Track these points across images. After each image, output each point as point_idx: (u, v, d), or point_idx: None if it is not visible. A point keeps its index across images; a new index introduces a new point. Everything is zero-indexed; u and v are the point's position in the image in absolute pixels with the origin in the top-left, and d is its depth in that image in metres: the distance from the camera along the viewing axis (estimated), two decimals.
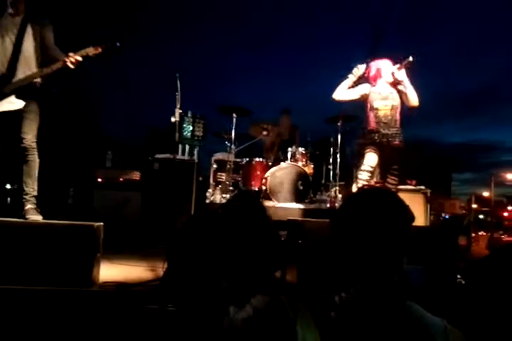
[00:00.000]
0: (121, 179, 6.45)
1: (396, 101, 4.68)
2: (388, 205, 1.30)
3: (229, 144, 6.34)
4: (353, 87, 4.80)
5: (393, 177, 4.67)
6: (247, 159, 6.40)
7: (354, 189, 4.65)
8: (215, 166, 6.55)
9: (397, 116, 4.70)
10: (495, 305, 2.45)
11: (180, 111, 5.38)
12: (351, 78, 4.78)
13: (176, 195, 5.55)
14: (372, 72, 4.75)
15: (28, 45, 3.78)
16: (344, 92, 4.80)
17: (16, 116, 3.70)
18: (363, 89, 4.77)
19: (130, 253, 4.27)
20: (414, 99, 4.64)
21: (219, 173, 6.48)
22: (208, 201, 6.17)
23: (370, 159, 4.61)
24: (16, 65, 3.74)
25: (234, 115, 6.28)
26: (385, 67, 4.72)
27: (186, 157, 6.50)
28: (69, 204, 6.11)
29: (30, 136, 3.71)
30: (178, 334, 1.47)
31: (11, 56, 3.74)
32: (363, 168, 4.61)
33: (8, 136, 3.79)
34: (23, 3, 3.81)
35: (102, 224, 3.24)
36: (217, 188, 6.30)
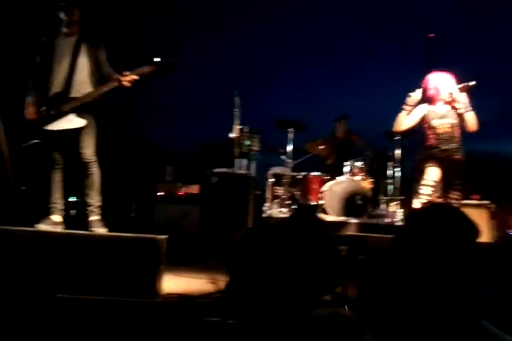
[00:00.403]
0: (180, 193, 6.60)
1: (454, 119, 4.58)
2: (453, 222, 1.27)
3: (285, 158, 6.37)
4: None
5: (456, 193, 4.55)
6: (304, 173, 6.41)
7: (415, 204, 4.56)
8: (271, 180, 6.58)
9: (457, 133, 4.61)
10: None
11: (240, 127, 5.49)
12: (407, 109, 4.71)
13: (233, 208, 5.62)
14: (431, 91, 4.65)
15: (83, 64, 3.93)
16: (404, 123, 4.75)
17: (74, 131, 3.87)
18: (421, 110, 4.69)
19: (190, 266, 4.35)
20: (472, 124, 4.53)
21: (276, 187, 6.51)
22: (265, 215, 6.20)
23: (432, 174, 4.52)
24: (72, 84, 3.90)
25: (290, 129, 6.32)
26: (443, 86, 4.62)
27: (243, 171, 6.58)
28: (131, 217, 6.29)
29: (89, 151, 3.86)
30: None
31: (67, 75, 3.90)
32: (424, 182, 4.52)
33: (69, 151, 3.96)
34: (77, 24, 3.98)
35: (165, 237, 3.33)
36: (274, 202, 6.32)
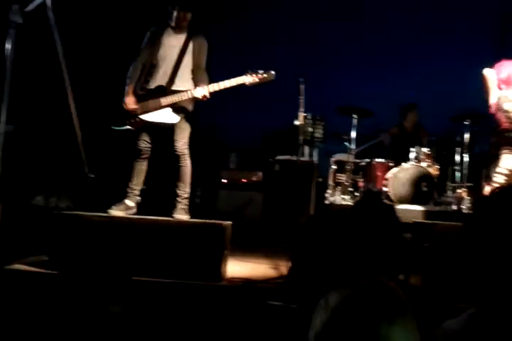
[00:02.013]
0: (244, 180, 6.69)
1: None
2: None
3: (348, 145, 6.30)
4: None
5: None
6: (368, 160, 6.32)
7: (486, 191, 4.40)
8: (334, 167, 6.53)
9: None
10: None
11: (305, 114, 5.48)
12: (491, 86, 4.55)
13: (296, 195, 5.66)
14: (503, 75, 4.46)
15: (188, 62, 4.03)
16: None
17: (168, 125, 4.00)
18: (495, 94, 4.52)
19: (254, 252, 4.43)
20: None
21: (338, 174, 6.46)
22: (327, 202, 6.18)
23: (507, 161, 4.33)
24: (175, 80, 4.01)
25: (354, 116, 6.24)
26: None
27: (306, 158, 6.58)
28: (196, 203, 6.45)
29: (181, 143, 3.99)
30: (299, 331, 1.51)
31: (172, 71, 4.00)
32: (498, 170, 4.33)
33: (158, 143, 4.11)
34: (187, 21, 4.05)
35: (230, 223, 3.42)
36: (337, 189, 6.28)
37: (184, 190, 4.00)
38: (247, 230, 5.01)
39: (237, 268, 3.67)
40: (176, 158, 3.99)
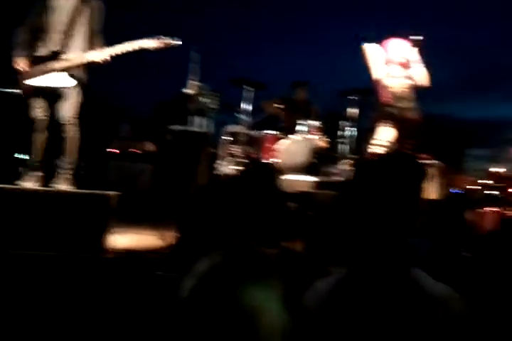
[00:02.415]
0: (136, 150, 6.51)
1: (409, 79, 4.67)
2: (403, 165, 1.28)
3: (242, 117, 6.33)
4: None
5: (408, 152, 4.66)
6: (260, 132, 6.40)
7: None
8: (227, 138, 6.55)
9: (412, 93, 4.69)
10: (500, 279, 2.48)
11: (195, 83, 5.38)
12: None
13: (187, 166, 5.60)
14: (388, 53, 4.71)
15: (81, 27, 3.79)
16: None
17: (59, 91, 3.76)
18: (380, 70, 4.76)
19: (142, 223, 4.34)
20: (422, 80, 4.63)
21: (230, 145, 6.49)
22: (217, 172, 6.21)
23: (386, 133, 4.59)
24: (68, 45, 3.76)
25: (246, 87, 6.26)
26: (397, 49, 4.68)
27: (200, 129, 6.51)
28: (81, 175, 6.19)
29: (69, 112, 3.76)
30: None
31: (64, 37, 3.75)
32: (374, 142, 4.60)
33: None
34: None
35: (116, 193, 3.31)
36: (228, 160, 6.32)
37: (67, 160, 3.81)
38: (136, 201, 4.90)
39: (124, 239, 3.58)
40: (60, 127, 3.76)
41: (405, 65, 4.68)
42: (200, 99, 6.35)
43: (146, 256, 3.12)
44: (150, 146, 6.56)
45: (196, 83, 5.43)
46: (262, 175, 1.83)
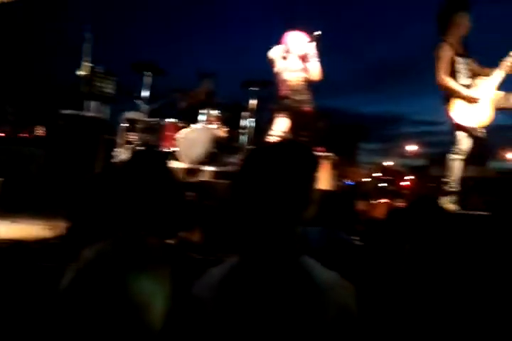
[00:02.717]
0: (23, 134, 6.10)
1: (306, 72, 4.82)
2: (293, 153, 1.27)
3: (141, 103, 6.15)
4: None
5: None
6: (159, 119, 6.26)
7: None
8: (125, 125, 6.34)
9: (307, 87, 4.84)
10: (385, 265, 2.61)
11: (90, 64, 5.11)
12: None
13: (81, 152, 5.34)
14: (286, 47, 4.85)
15: None
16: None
17: None
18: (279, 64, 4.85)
19: (29, 212, 4.08)
20: (315, 73, 4.79)
21: (129, 133, 6.29)
22: (115, 160, 6.00)
23: (281, 124, 4.71)
24: None
25: (148, 73, 6.08)
26: (295, 42, 4.82)
27: (95, 114, 6.24)
28: None
29: None
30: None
31: None
32: (273, 133, 4.70)
33: None
34: None
35: (1, 179, 3.07)
36: (126, 148, 6.12)
37: None
38: (24, 188, 4.59)
39: (7, 229, 3.34)
40: None
41: (304, 58, 4.81)
42: (96, 82, 6.08)
43: (31, 246, 2.93)
44: (40, 131, 6.18)
45: (89, 65, 5.14)
46: (150, 162, 1.74)
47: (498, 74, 4.26)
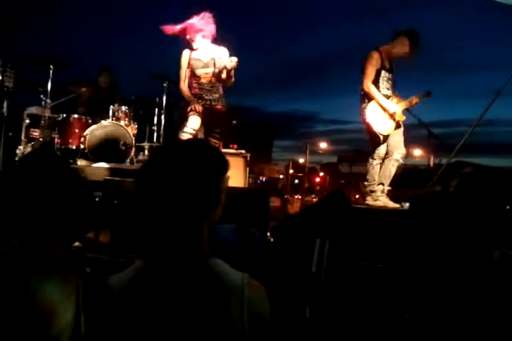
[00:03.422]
0: None
1: (217, 68, 4.67)
2: (200, 153, 1.24)
3: (44, 98, 5.81)
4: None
5: (215, 140, 4.76)
6: (65, 115, 5.94)
7: None
8: (27, 121, 5.96)
9: (219, 83, 4.76)
10: (297, 259, 2.64)
11: None
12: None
13: None
14: (193, 35, 4.65)
15: None
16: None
17: None
18: (186, 57, 4.72)
19: None
20: (228, 77, 4.72)
21: (32, 129, 5.92)
22: (17, 158, 5.63)
23: (193, 122, 4.63)
24: None
25: (50, 66, 5.76)
26: (208, 28, 4.66)
27: None
28: None
29: None
30: None
31: None
32: (185, 129, 4.61)
33: None
34: None
35: None
36: (29, 145, 5.77)
37: None
38: None
39: None
40: None
41: (214, 40, 4.72)
42: None
43: None
44: None
45: None
46: (48, 160, 1.63)
47: (406, 103, 4.78)
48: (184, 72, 4.74)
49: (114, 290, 1.15)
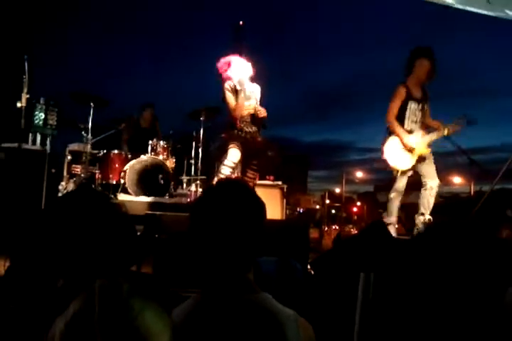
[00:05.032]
0: None
1: (257, 101, 4.79)
2: (243, 197, 1.30)
3: (85, 135, 6.00)
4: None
5: (252, 172, 4.79)
6: (105, 151, 6.11)
7: (214, 182, 4.66)
8: (69, 157, 6.16)
9: (257, 116, 4.83)
10: (339, 293, 2.59)
11: (28, 96, 4.94)
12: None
13: (24, 187, 5.12)
14: (230, 73, 4.74)
15: None
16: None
17: None
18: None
19: None
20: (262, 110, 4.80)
21: (74, 165, 6.11)
22: (60, 194, 5.79)
23: (234, 155, 4.66)
24: None
25: (91, 104, 5.96)
26: (244, 66, 4.77)
27: (38, 147, 6.04)
28: None
29: None
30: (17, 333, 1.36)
31: None
32: (225, 162, 4.64)
33: None
34: None
35: None
36: (71, 181, 5.93)
37: None
38: None
39: None
40: None
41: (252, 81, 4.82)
42: (37, 114, 5.91)
43: None
44: None
45: (28, 96, 4.96)
46: (90, 197, 1.68)
47: (434, 135, 4.76)
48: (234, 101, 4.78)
49: (176, 323, 1.18)
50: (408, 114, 4.70)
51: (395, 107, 4.67)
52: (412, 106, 4.71)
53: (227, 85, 4.70)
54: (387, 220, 4.73)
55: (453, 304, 1.98)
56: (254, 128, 4.80)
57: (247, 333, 1.14)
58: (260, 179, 6.30)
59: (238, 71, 4.69)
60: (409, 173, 4.76)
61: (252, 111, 4.76)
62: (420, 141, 4.71)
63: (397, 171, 4.70)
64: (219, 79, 4.79)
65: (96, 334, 0.88)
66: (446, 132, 4.75)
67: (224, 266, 1.24)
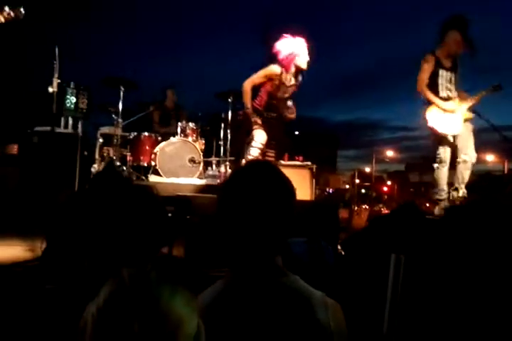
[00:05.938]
0: None
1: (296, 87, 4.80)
2: (272, 178, 1.28)
3: (116, 118, 6.07)
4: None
5: (271, 151, 4.84)
6: (135, 133, 6.18)
7: (242, 164, 4.69)
8: (101, 140, 6.26)
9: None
10: (370, 274, 2.59)
11: (59, 80, 5.00)
12: None
13: (58, 170, 5.24)
14: (285, 56, 4.68)
15: None
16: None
17: None
18: (272, 70, 4.73)
19: (7, 233, 3.98)
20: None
21: (105, 148, 6.21)
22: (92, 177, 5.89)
23: (260, 136, 4.67)
24: None
25: (121, 87, 6.01)
26: (302, 52, 4.72)
27: (70, 130, 6.16)
28: None
29: None
30: (57, 312, 1.39)
31: None
32: (253, 144, 4.65)
33: None
34: None
35: None
36: (103, 163, 6.04)
37: None
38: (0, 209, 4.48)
39: None
40: None
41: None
42: (68, 98, 6.01)
43: (12, 269, 2.84)
44: (13, 149, 6.05)
45: (60, 81, 5.02)
46: (114, 178, 1.69)
47: (473, 99, 4.66)
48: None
49: (205, 307, 1.19)
50: (441, 81, 4.61)
51: (424, 75, 4.57)
52: (444, 74, 4.62)
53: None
54: (438, 196, 4.67)
55: (485, 286, 1.96)
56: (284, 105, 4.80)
57: (276, 315, 1.15)
58: (289, 159, 6.28)
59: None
60: (451, 140, 4.62)
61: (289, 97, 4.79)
62: (459, 107, 4.61)
63: (448, 138, 4.56)
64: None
65: (130, 323, 0.90)
66: (480, 96, 4.66)
67: (253, 248, 1.23)
